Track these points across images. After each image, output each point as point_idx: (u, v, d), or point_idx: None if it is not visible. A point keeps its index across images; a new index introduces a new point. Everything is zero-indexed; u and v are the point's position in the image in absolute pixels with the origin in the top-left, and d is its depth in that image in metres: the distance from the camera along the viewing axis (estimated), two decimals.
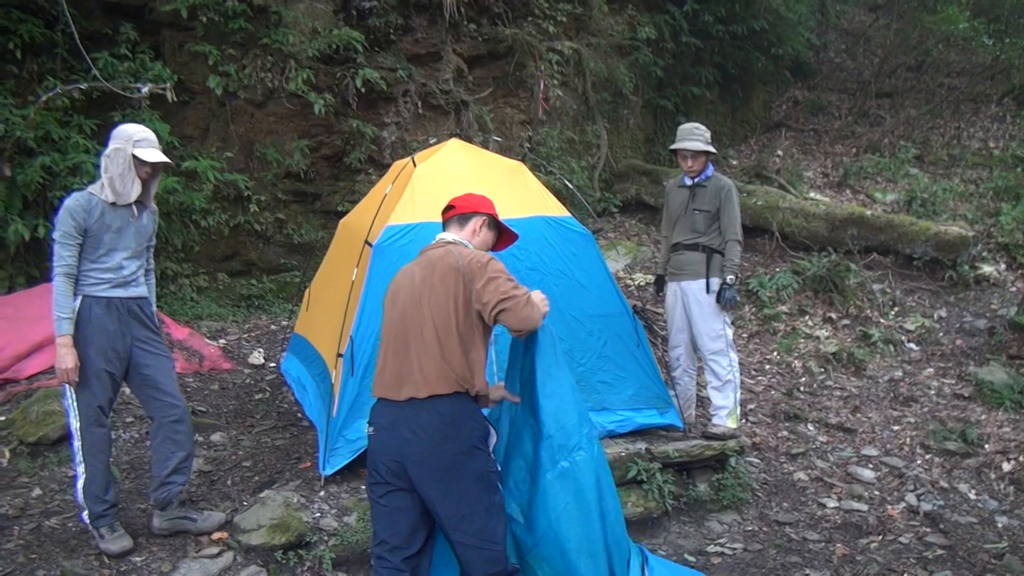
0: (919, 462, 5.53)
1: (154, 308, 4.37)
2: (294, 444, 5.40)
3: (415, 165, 5.45)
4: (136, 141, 4.02)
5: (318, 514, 4.45)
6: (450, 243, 3.41)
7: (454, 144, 5.75)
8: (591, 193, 10.68)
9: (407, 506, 3.21)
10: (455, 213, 3.56)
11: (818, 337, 7.42)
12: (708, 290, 5.51)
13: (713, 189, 5.64)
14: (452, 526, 3.16)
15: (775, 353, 7.25)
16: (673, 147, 5.71)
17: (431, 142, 8.37)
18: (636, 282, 8.73)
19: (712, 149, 5.64)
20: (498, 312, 3.22)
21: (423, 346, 3.21)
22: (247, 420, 5.82)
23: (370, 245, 5.05)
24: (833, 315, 7.81)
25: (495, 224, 3.56)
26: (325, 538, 4.28)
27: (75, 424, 4.02)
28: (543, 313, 3.39)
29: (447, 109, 9.28)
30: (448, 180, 5.42)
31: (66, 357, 3.89)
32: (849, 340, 7.40)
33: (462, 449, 3.15)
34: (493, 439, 3.32)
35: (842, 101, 14.15)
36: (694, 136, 5.58)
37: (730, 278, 5.48)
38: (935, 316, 7.86)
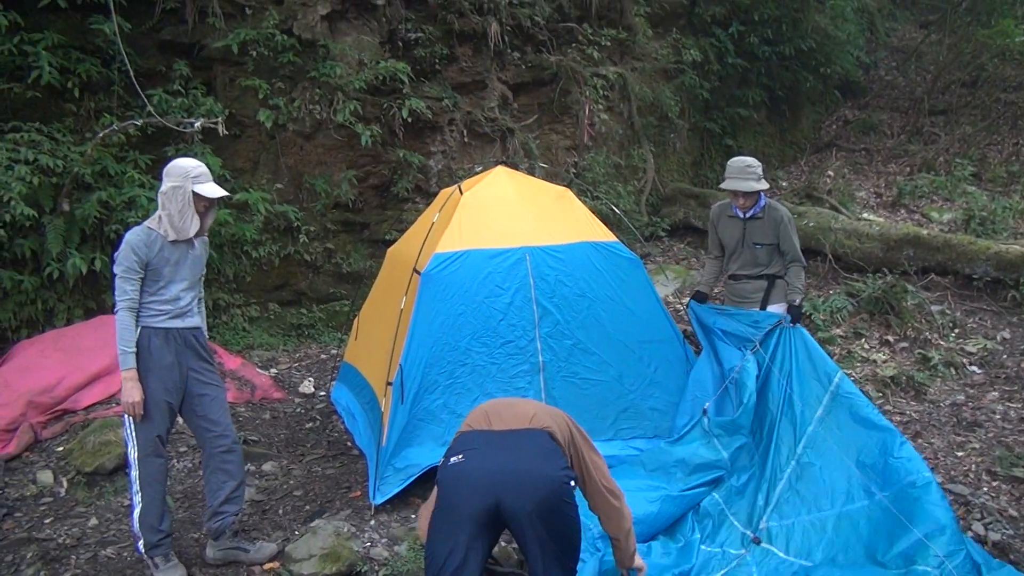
0: (985, 490, 5.35)
1: (206, 336, 4.44)
2: (344, 473, 5.42)
3: (461, 193, 5.49)
4: (194, 177, 4.06)
5: (368, 543, 4.46)
6: None
7: (500, 171, 5.79)
8: (638, 217, 10.64)
9: (480, 547, 3.10)
10: None
11: (875, 361, 7.26)
12: None
13: (770, 221, 5.57)
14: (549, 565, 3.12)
15: None
16: (724, 188, 5.63)
17: (477, 170, 8.44)
18: (686, 307, 8.64)
19: (765, 187, 5.54)
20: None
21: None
22: (298, 449, 5.87)
23: (419, 273, 5.09)
24: (890, 338, 7.64)
25: None
26: (376, 568, 4.28)
27: (133, 454, 4.07)
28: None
29: (493, 137, 9.35)
30: (494, 207, 5.45)
31: (132, 391, 3.95)
32: (908, 363, 7.22)
33: (561, 478, 3.13)
34: None
35: (894, 120, 13.94)
36: (746, 175, 5.45)
37: (797, 300, 5.42)
38: (998, 338, 7.64)
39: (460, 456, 3.15)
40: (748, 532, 4.37)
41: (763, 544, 4.30)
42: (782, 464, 4.57)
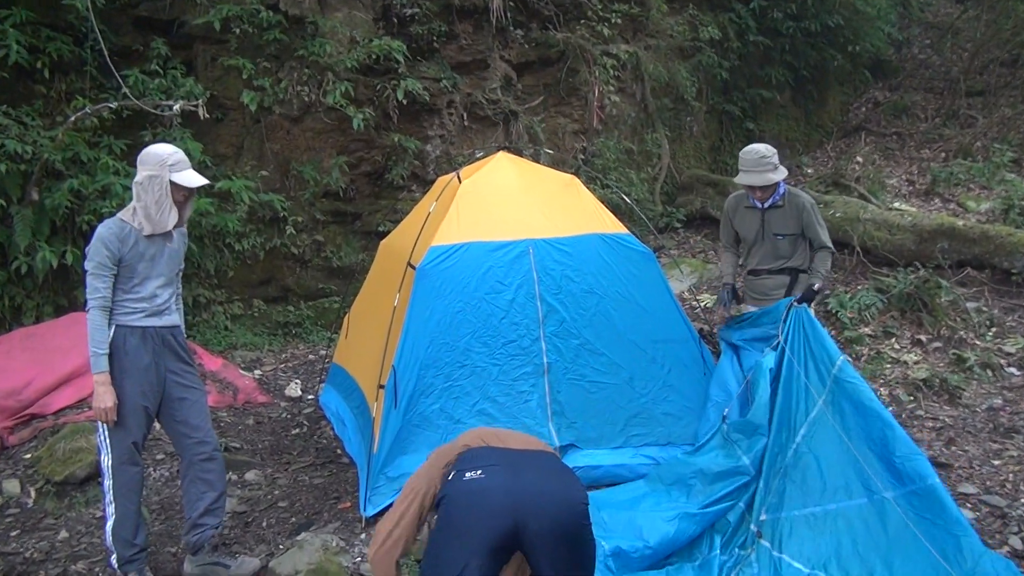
0: (1023, 500, 5.35)
1: (184, 335, 4.43)
2: (333, 483, 5.42)
3: (460, 181, 5.48)
4: (171, 165, 4.03)
5: (359, 559, 4.45)
6: None
7: (502, 157, 5.79)
8: (652, 207, 10.62)
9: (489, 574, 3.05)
10: None
11: (906, 362, 7.24)
12: None
13: (792, 209, 5.53)
14: None
15: None
16: (738, 182, 5.61)
17: (477, 156, 8.44)
18: (703, 304, 8.63)
19: (783, 175, 5.51)
20: None
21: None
22: (283, 457, 5.87)
23: (413, 267, 5.08)
24: (923, 337, 7.61)
25: None
26: None
27: (107, 462, 4.06)
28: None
29: (495, 120, 9.33)
30: (496, 196, 5.45)
31: (105, 396, 3.94)
32: (941, 365, 7.20)
33: (583, 500, 3.12)
34: None
35: (928, 101, 13.89)
36: (762, 167, 5.39)
37: (817, 284, 5.38)
38: None
39: (479, 472, 3.11)
40: (753, 527, 4.37)
41: (763, 540, 4.30)
42: (782, 450, 4.56)
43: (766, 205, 5.57)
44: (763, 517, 4.39)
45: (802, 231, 5.60)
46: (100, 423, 4.03)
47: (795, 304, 4.92)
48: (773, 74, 12.47)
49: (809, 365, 4.67)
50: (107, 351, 3.96)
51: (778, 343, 4.91)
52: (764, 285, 5.76)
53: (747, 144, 5.85)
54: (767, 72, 12.48)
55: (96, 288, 3.96)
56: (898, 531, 4.03)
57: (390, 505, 4.67)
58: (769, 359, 4.85)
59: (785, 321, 4.89)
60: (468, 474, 3.11)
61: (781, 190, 5.56)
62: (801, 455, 4.49)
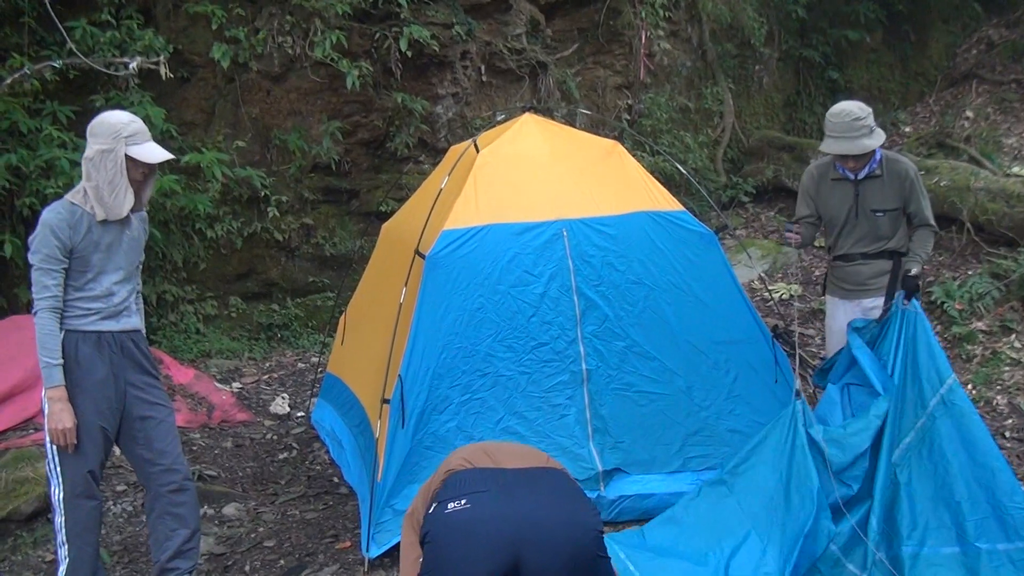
0: None
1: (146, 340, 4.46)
2: (329, 517, 5.46)
3: (478, 150, 5.49)
4: (127, 136, 4.04)
5: None
6: None
7: (529, 120, 5.78)
8: (713, 178, 10.60)
9: None
10: None
11: None
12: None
13: (892, 178, 5.45)
14: None
15: (970, 386, 7.05)
16: (826, 150, 5.50)
17: (499, 119, 8.42)
18: (777, 295, 8.60)
19: (881, 139, 5.41)
20: None
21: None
22: (269, 487, 5.92)
23: (423, 256, 5.10)
24: None
25: None
26: None
27: (58, 495, 4.08)
28: None
29: (519, 74, 9.33)
30: (522, 168, 5.45)
31: (62, 415, 3.95)
32: None
33: (597, 526, 3.15)
34: None
35: None
36: (855, 131, 5.26)
37: (915, 270, 5.32)
38: None
39: (463, 501, 3.11)
40: None
41: None
42: (879, 477, 4.53)
43: (860, 176, 5.51)
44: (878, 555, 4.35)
45: (903, 205, 5.53)
46: (50, 448, 4.06)
47: (905, 303, 4.86)
48: (861, 11, 12.36)
49: (912, 378, 4.62)
50: (61, 361, 3.99)
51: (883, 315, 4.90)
52: (860, 273, 5.64)
53: (829, 98, 5.81)
54: (854, 8, 12.38)
55: (45, 286, 3.98)
56: None
57: (398, 544, 4.74)
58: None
59: (893, 322, 4.83)
60: (451, 505, 3.12)
61: (877, 156, 5.48)
62: (892, 484, 4.47)
